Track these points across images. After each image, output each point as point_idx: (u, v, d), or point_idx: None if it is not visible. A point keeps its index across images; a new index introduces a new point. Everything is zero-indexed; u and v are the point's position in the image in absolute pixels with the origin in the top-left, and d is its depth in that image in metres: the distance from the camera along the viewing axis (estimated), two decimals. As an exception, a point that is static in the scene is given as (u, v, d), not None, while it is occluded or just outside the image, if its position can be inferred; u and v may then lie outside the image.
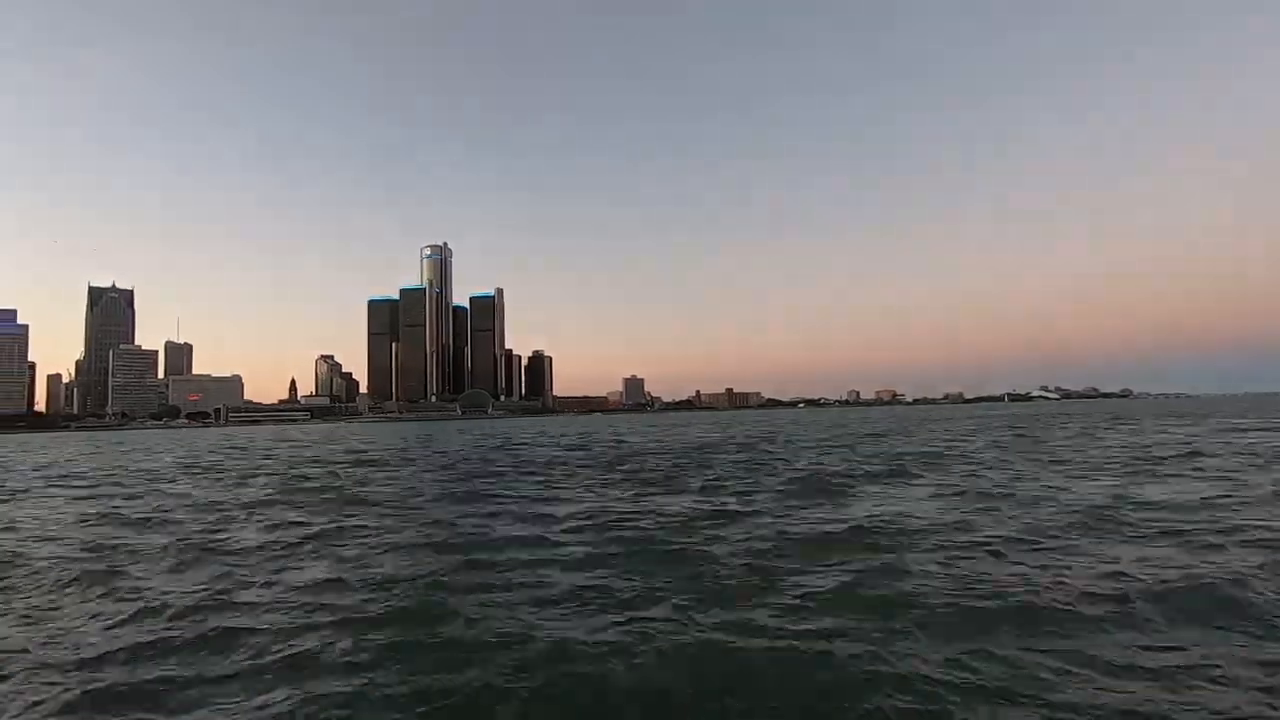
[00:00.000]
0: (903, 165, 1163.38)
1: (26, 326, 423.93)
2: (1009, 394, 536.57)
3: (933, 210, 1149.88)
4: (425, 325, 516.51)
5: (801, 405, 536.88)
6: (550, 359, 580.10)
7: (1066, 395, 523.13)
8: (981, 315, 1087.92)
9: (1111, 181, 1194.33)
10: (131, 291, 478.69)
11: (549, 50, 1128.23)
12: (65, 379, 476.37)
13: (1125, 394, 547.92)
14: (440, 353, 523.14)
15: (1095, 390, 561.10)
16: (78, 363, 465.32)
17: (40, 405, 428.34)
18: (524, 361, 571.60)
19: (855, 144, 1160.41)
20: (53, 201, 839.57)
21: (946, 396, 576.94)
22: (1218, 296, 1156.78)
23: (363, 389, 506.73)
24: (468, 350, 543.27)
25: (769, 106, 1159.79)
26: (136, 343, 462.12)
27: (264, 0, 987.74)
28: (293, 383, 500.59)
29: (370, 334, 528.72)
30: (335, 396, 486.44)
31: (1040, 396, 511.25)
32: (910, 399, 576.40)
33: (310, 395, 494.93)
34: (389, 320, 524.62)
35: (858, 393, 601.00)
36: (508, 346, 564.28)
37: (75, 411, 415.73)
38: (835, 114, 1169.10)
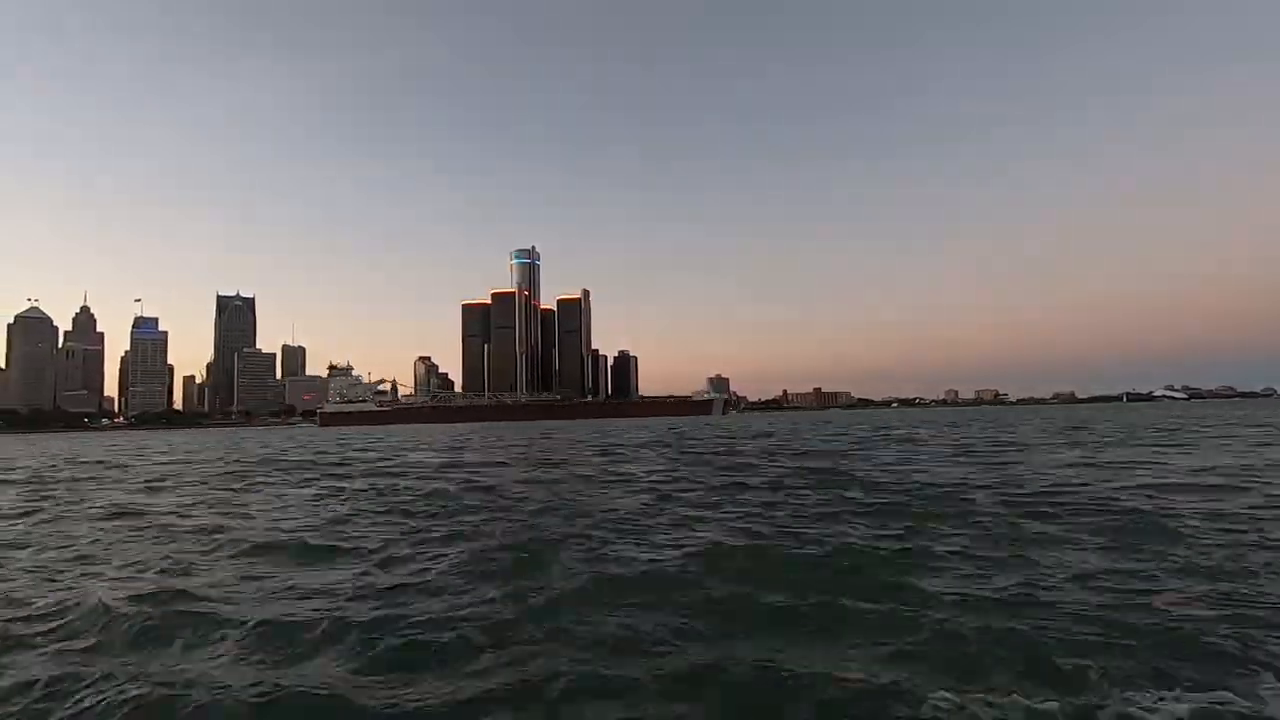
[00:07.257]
0: (1003, 152, 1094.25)
1: (166, 332, 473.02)
2: (1128, 393, 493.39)
3: (1044, 196, 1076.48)
4: (514, 327, 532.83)
5: (895, 405, 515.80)
6: (635, 359, 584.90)
7: (1195, 395, 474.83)
8: (1103, 308, 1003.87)
9: (1256, 162, 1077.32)
10: (253, 299, 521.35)
11: (626, 52, 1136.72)
12: (198, 380, 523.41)
13: (1268, 393, 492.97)
14: (529, 353, 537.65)
15: (1232, 390, 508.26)
16: (208, 365, 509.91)
17: (178, 404, 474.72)
18: (609, 361, 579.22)
19: (955, 139, 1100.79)
20: (187, 220, 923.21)
21: (1056, 396, 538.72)
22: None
23: (457, 389, 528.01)
24: (555, 351, 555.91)
25: (847, 102, 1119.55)
26: (257, 346, 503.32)
27: (366, 14, 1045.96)
28: (394, 383, 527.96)
29: (464, 336, 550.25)
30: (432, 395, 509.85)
31: (1164, 396, 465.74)
32: (1014, 399, 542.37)
33: (410, 395, 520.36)
34: (481, 322, 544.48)
35: (956, 392, 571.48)
36: (594, 346, 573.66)
37: (206, 410, 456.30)
38: (925, 110, 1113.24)
